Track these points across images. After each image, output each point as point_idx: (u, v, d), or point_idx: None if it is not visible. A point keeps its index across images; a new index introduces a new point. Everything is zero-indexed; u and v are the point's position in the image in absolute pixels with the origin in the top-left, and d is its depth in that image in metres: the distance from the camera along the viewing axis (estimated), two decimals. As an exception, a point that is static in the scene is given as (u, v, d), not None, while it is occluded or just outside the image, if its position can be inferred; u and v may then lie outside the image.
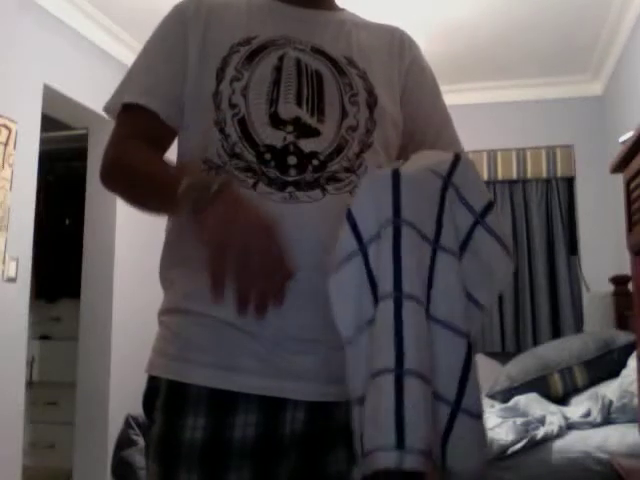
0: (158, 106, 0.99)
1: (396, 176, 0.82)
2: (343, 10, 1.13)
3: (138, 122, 1.00)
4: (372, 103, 1.01)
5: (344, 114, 0.98)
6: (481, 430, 0.82)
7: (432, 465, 0.77)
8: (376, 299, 0.80)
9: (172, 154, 1.05)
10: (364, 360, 0.80)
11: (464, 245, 0.85)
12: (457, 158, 0.86)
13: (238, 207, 0.82)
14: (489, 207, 0.87)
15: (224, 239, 0.79)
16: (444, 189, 0.84)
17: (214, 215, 0.81)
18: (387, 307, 0.78)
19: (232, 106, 0.95)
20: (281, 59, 0.98)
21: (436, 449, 0.79)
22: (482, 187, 0.90)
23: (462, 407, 0.80)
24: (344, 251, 0.82)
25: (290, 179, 0.92)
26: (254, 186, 0.92)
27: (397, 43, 1.11)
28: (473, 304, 0.84)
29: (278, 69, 0.98)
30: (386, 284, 0.79)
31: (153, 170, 0.95)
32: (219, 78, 0.97)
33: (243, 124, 0.94)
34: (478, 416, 0.81)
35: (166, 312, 0.97)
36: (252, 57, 0.98)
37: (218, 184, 0.83)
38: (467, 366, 0.81)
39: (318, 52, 1.01)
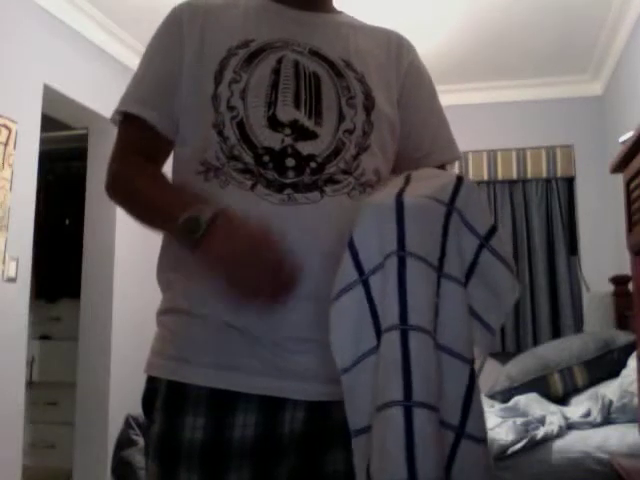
0: (153, 117, 1.00)
1: (400, 207, 0.82)
2: (341, 13, 1.14)
3: (135, 134, 1.03)
4: (369, 106, 1.01)
5: (341, 117, 0.98)
6: (485, 454, 0.82)
7: None
8: (378, 330, 0.80)
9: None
10: (365, 392, 0.80)
11: (471, 269, 0.85)
12: (459, 181, 0.86)
13: (232, 234, 0.86)
14: (493, 230, 0.87)
15: (230, 268, 0.85)
16: (448, 215, 0.84)
17: (211, 249, 0.86)
18: (393, 338, 0.78)
19: (231, 108, 0.95)
20: (279, 62, 0.99)
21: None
22: (485, 209, 0.90)
23: (466, 432, 0.80)
24: (344, 281, 0.83)
25: (288, 181, 0.92)
26: (252, 188, 0.92)
27: (394, 46, 1.11)
28: (484, 328, 0.84)
29: (276, 72, 0.98)
30: (391, 315, 0.79)
31: (152, 198, 0.97)
32: (217, 81, 0.97)
33: (242, 127, 0.94)
34: (482, 440, 0.81)
35: (165, 312, 0.97)
36: (250, 60, 0.98)
37: (210, 214, 0.86)
38: (470, 391, 0.82)
39: (316, 55, 1.01)
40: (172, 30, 1.02)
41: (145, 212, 0.98)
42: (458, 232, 0.84)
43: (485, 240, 0.86)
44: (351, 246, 0.83)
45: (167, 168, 1.10)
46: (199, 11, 1.02)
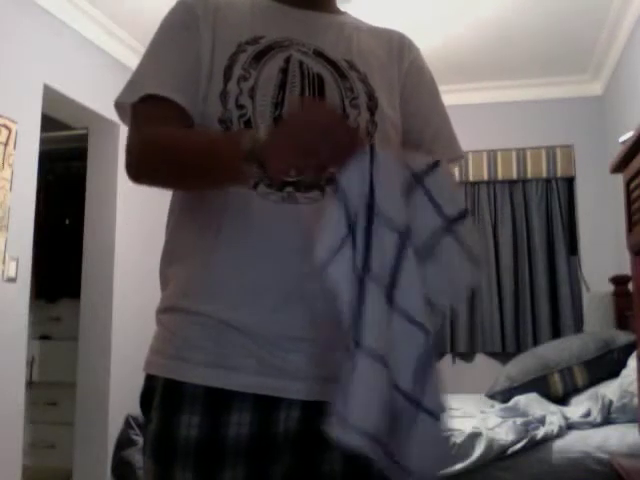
0: (184, 100, 0.97)
1: (373, 150, 0.82)
2: (344, 13, 1.14)
3: (162, 113, 0.97)
4: (373, 106, 1.02)
5: (345, 117, 0.98)
6: (441, 431, 0.82)
7: (380, 453, 0.78)
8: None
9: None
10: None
11: (428, 248, 0.84)
12: (436, 164, 0.85)
13: (298, 117, 0.83)
14: (462, 216, 0.86)
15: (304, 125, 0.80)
16: (412, 185, 0.84)
17: (285, 136, 0.81)
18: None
19: (239, 107, 0.95)
20: (287, 61, 0.99)
21: (394, 445, 0.80)
22: (458, 197, 0.89)
23: (424, 406, 0.80)
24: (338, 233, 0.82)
25: (289, 180, 0.92)
26: (255, 186, 0.92)
27: (396, 45, 1.11)
28: (430, 308, 0.84)
29: (284, 71, 0.98)
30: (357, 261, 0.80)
31: (202, 139, 0.93)
32: (227, 76, 0.97)
33: (249, 125, 0.95)
34: (438, 417, 0.81)
35: (163, 311, 0.98)
36: (259, 57, 0.98)
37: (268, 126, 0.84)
38: (428, 362, 0.81)
39: (320, 55, 1.02)
40: (188, 23, 1.01)
41: (196, 156, 0.91)
42: (424, 208, 0.84)
43: (451, 224, 0.85)
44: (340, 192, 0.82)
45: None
46: (210, 7, 1.02)
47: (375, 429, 0.77)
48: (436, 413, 0.81)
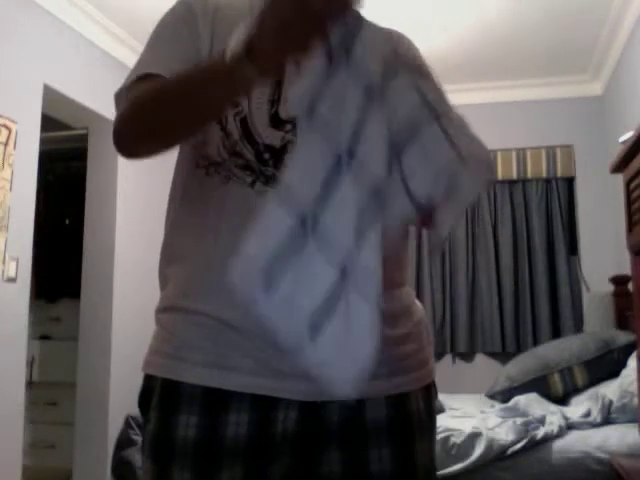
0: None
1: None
2: None
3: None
4: None
5: None
6: (370, 317, 0.73)
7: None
8: None
9: (173, 151, 1.05)
10: None
11: (411, 132, 0.78)
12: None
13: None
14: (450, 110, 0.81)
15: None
16: (396, 69, 0.79)
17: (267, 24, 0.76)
18: None
19: (235, 105, 0.95)
20: None
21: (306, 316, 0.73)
22: (445, 95, 0.86)
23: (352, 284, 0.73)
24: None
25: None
26: (252, 184, 0.92)
27: (394, 44, 1.11)
28: (407, 194, 0.77)
29: None
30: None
31: (187, 74, 0.88)
32: None
33: (245, 123, 0.94)
34: (368, 300, 0.74)
35: (162, 310, 0.98)
36: None
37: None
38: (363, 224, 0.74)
39: None
40: (188, 21, 1.00)
41: (185, 87, 0.88)
42: (407, 92, 0.79)
43: (436, 113, 0.79)
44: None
45: (170, 166, 1.09)
46: (210, 7, 1.02)
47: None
48: (366, 294, 0.73)
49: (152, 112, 0.91)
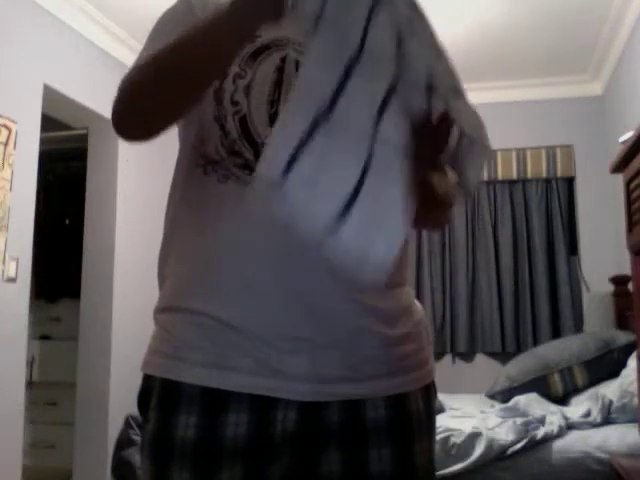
0: None
1: None
2: None
3: None
4: None
5: None
6: (404, 203, 0.72)
7: None
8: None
9: (172, 151, 1.05)
10: None
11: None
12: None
13: None
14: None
15: None
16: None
17: None
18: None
19: (234, 103, 0.95)
20: (283, 60, 0.98)
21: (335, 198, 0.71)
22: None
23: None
24: None
25: None
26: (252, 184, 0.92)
27: None
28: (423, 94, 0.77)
29: (280, 70, 0.98)
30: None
31: (191, 30, 0.86)
32: (223, 75, 0.97)
33: (244, 122, 0.94)
34: (397, 147, 0.73)
35: (161, 310, 0.97)
36: (255, 55, 0.98)
37: None
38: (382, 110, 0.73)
39: None
40: (188, 19, 1.00)
41: (185, 44, 0.86)
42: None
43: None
44: None
45: (170, 166, 1.09)
46: (210, 6, 1.02)
47: None
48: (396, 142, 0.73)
49: (153, 78, 0.88)
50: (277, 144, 0.71)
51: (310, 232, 0.70)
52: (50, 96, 3.17)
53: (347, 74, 0.72)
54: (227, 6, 0.80)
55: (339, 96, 0.72)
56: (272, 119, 0.94)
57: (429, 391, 1.00)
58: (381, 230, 0.71)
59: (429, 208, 0.84)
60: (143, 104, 0.90)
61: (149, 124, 0.91)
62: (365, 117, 0.72)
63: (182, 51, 0.86)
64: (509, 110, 4.34)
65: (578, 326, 4.01)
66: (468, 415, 2.73)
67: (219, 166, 0.94)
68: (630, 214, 2.09)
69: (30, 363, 3.96)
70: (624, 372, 2.62)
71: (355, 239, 0.70)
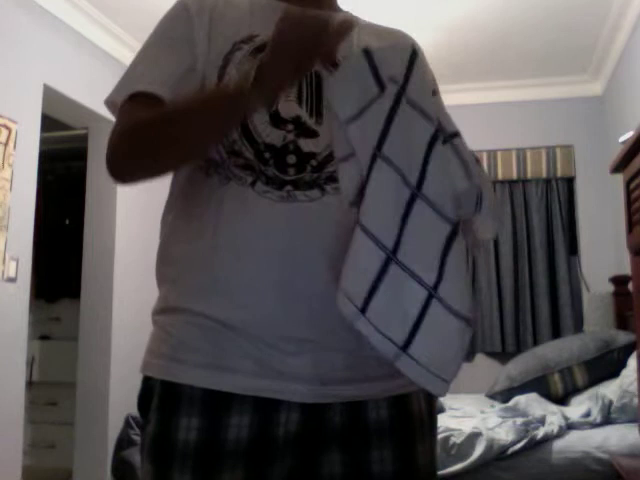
0: (169, 96, 0.95)
1: (369, 54, 0.83)
2: (346, 13, 1.13)
3: (146, 111, 0.94)
4: None
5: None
6: (461, 333, 0.79)
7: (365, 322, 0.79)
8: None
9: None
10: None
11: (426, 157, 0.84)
12: (414, 54, 0.85)
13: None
14: (457, 134, 0.86)
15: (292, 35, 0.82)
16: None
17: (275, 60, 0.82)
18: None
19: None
20: None
21: (403, 327, 0.79)
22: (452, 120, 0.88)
23: (439, 295, 0.79)
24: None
25: (288, 178, 0.91)
26: (252, 184, 0.92)
27: None
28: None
29: None
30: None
31: (192, 100, 0.92)
32: (220, 75, 0.96)
33: (244, 122, 0.94)
34: (458, 315, 0.79)
35: (160, 312, 0.97)
36: (254, 55, 0.98)
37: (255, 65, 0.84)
38: (446, 252, 0.80)
39: None
40: (183, 23, 1.00)
41: (190, 116, 0.89)
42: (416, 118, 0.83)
43: (448, 136, 0.84)
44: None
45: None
46: (206, 6, 1.02)
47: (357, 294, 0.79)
48: (455, 310, 0.79)
49: (149, 139, 0.91)
50: (352, 281, 0.81)
51: (383, 355, 0.80)
52: (50, 96, 3.17)
53: (408, 213, 0.80)
54: (231, 90, 0.84)
55: (404, 236, 0.80)
56: (273, 118, 0.94)
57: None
58: (439, 360, 0.80)
59: None
60: (138, 160, 0.94)
61: (143, 177, 0.96)
62: (429, 258, 0.80)
63: (178, 125, 0.89)
64: (509, 110, 4.34)
65: (578, 326, 4.01)
66: (468, 415, 2.73)
67: (220, 167, 0.94)
68: (630, 214, 2.09)
69: (30, 363, 3.95)
70: (624, 372, 2.62)
71: (416, 364, 0.79)
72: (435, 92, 0.86)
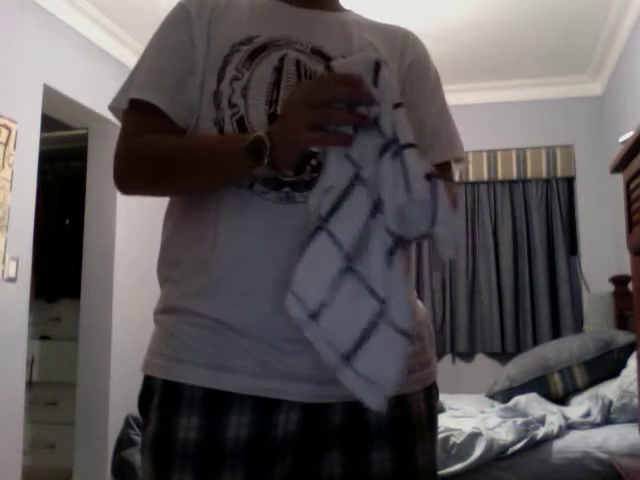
0: (166, 104, 0.97)
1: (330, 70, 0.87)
2: (348, 11, 1.13)
3: (147, 119, 0.98)
4: None
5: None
6: (402, 348, 0.81)
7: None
8: None
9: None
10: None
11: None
12: (399, 104, 0.86)
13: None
14: (411, 145, 0.86)
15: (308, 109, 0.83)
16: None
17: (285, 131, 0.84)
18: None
19: (232, 106, 0.95)
20: (282, 60, 0.98)
21: (350, 339, 0.81)
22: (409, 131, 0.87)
23: (387, 315, 0.80)
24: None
25: (286, 179, 0.91)
26: (251, 186, 0.92)
27: (399, 41, 1.10)
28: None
29: (278, 70, 0.97)
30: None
31: (198, 143, 0.96)
32: (220, 77, 0.96)
33: (242, 124, 0.94)
34: (399, 330, 0.80)
35: (161, 311, 0.97)
36: (253, 57, 0.98)
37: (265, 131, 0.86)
38: (388, 266, 0.81)
39: (317, 53, 1.00)
40: (182, 27, 1.01)
41: (194, 158, 0.93)
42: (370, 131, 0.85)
43: (399, 147, 0.84)
44: None
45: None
46: (206, 8, 1.02)
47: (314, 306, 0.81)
48: (400, 328, 0.80)
49: (155, 168, 0.97)
50: (306, 294, 0.83)
51: (326, 362, 0.82)
52: (50, 96, 3.17)
53: (368, 228, 0.83)
54: (236, 148, 0.86)
55: (362, 250, 0.82)
56: (270, 119, 0.94)
57: (431, 392, 1.00)
58: (379, 375, 0.81)
59: None
60: (142, 183, 1.01)
61: (146, 195, 1.09)
62: (381, 273, 0.82)
63: (179, 166, 0.95)
64: (509, 110, 4.34)
65: (578, 326, 4.01)
66: (468, 415, 2.73)
67: None
68: (630, 214, 2.09)
69: (30, 363, 3.95)
70: (624, 372, 2.62)
71: (357, 377, 0.81)
72: (399, 105, 0.85)
